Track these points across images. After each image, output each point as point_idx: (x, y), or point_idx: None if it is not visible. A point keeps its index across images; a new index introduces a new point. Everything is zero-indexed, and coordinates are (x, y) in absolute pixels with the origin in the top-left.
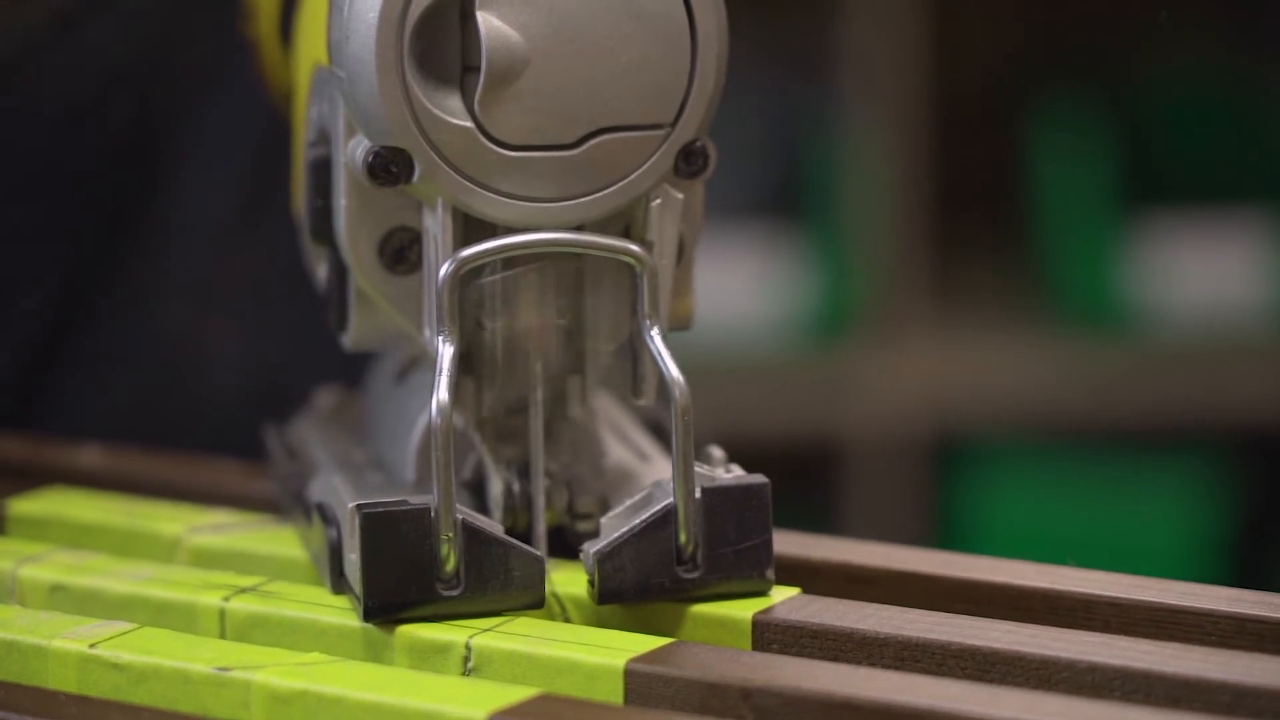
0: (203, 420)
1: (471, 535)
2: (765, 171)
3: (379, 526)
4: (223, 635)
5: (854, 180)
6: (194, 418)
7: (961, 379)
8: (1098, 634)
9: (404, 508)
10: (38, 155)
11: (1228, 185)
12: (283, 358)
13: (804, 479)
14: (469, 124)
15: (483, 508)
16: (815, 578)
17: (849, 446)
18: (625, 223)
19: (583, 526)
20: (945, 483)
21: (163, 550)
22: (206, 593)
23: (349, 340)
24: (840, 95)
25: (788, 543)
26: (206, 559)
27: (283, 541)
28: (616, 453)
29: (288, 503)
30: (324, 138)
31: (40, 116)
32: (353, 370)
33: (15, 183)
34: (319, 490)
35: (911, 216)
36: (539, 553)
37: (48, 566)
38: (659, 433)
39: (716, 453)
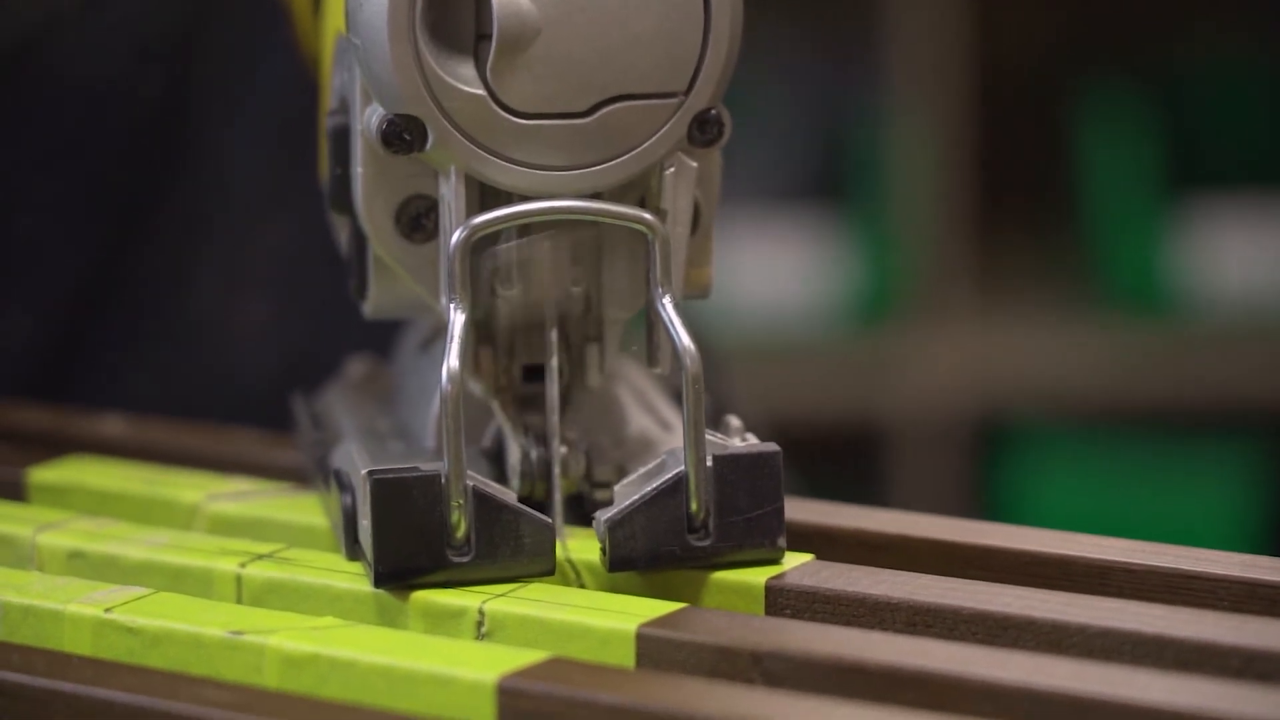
0: (234, 394)
1: (482, 502)
2: (810, 155)
3: (389, 492)
4: (239, 601)
5: (899, 164)
6: (225, 392)
7: (1006, 362)
8: (1111, 599)
9: (415, 474)
10: (68, 129)
11: (1273, 169)
12: (315, 331)
13: (848, 462)
14: (481, 92)
15: (503, 476)
16: (831, 545)
17: (893, 429)
18: (641, 191)
19: (601, 495)
20: (989, 466)
21: (182, 517)
22: (223, 559)
23: (368, 308)
24: (885, 79)
25: (803, 510)
26: (225, 526)
27: (302, 509)
28: (639, 422)
29: (313, 471)
30: (345, 106)
31: (70, 90)
32: (386, 343)
33: (46, 155)
34: (340, 458)
35: (956, 200)
36: (549, 520)
37: (66, 533)
38: None
39: (734, 421)
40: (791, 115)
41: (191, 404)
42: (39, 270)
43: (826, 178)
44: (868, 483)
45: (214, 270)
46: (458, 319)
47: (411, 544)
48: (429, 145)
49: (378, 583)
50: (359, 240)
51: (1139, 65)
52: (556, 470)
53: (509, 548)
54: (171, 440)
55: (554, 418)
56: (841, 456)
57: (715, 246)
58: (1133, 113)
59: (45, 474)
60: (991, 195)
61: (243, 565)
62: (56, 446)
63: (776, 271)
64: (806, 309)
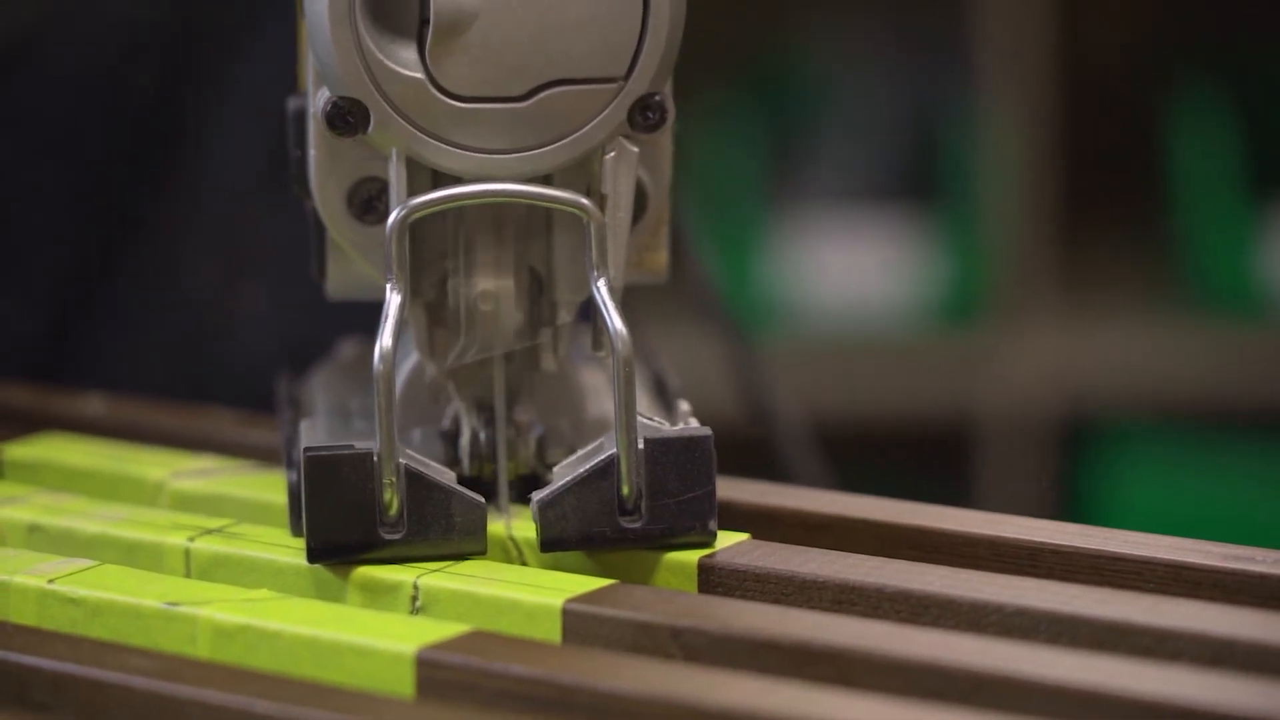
0: (230, 380)
1: (414, 480)
2: (898, 154)
3: (322, 469)
4: (188, 574)
5: (986, 163)
6: (221, 377)
7: (1092, 362)
8: (1031, 579)
9: (347, 452)
10: (64, 118)
11: None
12: (309, 317)
13: (935, 460)
14: (420, 75)
15: (456, 457)
16: (771, 525)
17: (980, 428)
18: (587, 176)
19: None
20: (1076, 465)
21: (146, 494)
22: (174, 533)
23: (329, 289)
24: (973, 79)
25: (742, 490)
26: (187, 503)
27: (261, 486)
28: (600, 406)
29: (284, 449)
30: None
31: (66, 79)
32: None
33: (42, 144)
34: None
35: (1044, 199)
36: (481, 500)
37: (27, 508)
38: (661, 389)
39: (684, 406)
40: (881, 115)
41: (187, 388)
42: (38, 256)
43: (915, 177)
44: (954, 481)
45: (210, 256)
46: (393, 299)
47: (344, 520)
48: (371, 128)
49: (311, 558)
50: (318, 222)
51: (1229, 65)
52: (502, 451)
53: (440, 526)
54: (147, 419)
55: (501, 399)
56: (928, 455)
57: (801, 243)
58: (1223, 112)
59: (19, 450)
60: (1080, 195)
61: (191, 539)
62: (37, 424)
63: (865, 270)
64: (894, 307)
